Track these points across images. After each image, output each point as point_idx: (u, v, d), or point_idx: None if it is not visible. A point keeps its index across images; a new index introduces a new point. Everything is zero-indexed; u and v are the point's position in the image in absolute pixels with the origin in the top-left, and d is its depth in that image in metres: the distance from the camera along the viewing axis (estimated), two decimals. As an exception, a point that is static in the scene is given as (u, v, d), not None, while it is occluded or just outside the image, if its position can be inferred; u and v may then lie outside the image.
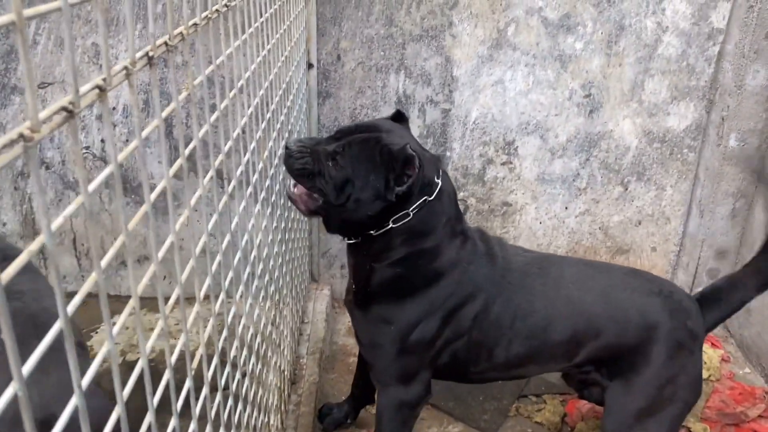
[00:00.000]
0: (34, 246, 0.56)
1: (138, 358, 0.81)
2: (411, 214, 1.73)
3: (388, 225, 1.74)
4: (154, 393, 0.85)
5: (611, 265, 2.24)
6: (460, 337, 1.87)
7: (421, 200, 1.73)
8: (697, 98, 2.88)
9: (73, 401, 0.63)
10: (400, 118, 1.89)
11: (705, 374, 2.63)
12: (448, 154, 2.96)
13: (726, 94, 2.79)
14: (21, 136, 0.52)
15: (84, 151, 2.86)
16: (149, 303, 2.81)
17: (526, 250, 2.06)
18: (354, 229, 1.80)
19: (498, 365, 1.94)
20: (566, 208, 3.07)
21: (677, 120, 2.92)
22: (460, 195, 3.03)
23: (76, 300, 0.62)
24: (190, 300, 0.97)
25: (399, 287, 1.83)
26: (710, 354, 2.76)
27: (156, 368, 2.38)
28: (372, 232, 1.76)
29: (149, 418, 0.85)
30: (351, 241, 1.84)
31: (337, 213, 1.77)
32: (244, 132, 1.41)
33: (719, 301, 1.98)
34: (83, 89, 0.61)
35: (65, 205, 0.66)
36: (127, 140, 2.83)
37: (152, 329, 0.89)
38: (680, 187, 3.03)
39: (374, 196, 1.69)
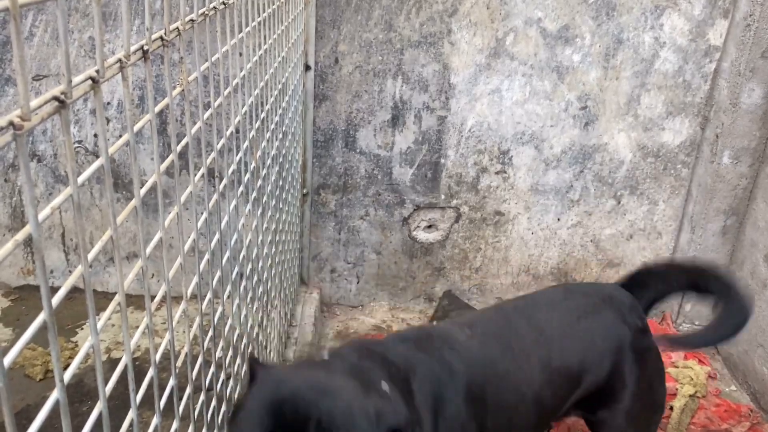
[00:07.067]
0: (20, 236, 0.55)
1: (123, 356, 0.80)
2: None
3: None
4: (137, 390, 0.84)
5: (546, 294, 1.96)
6: None
7: None
8: (692, 114, 2.89)
9: (54, 395, 0.62)
10: None
11: (691, 390, 2.63)
12: (442, 161, 2.96)
13: (721, 111, 2.80)
14: (11, 123, 0.51)
15: (76, 145, 2.84)
16: (137, 301, 2.81)
17: (468, 324, 1.70)
18: None
19: None
20: (558, 219, 3.08)
21: (672, 135, 2.93)
22: (453, 203, 3.03)
23: (61, 292, 0.62)
24: (177, 299, 0.96)
25: None
26: (697, 370, 2.76)
27: (141, 367, 2.36)
28: None
29: (131, 415, 0.84)
30: None
31: None
32: (237, 131, 1.41)
33: (647, 288, 1.93)
34: (76, 80, 0.61)
35: (55, 199, 0.65)
36: (120, 135, 2.81)
37: (139, 327, 0.88)
38: (673, 202, 3.04)
39: None
